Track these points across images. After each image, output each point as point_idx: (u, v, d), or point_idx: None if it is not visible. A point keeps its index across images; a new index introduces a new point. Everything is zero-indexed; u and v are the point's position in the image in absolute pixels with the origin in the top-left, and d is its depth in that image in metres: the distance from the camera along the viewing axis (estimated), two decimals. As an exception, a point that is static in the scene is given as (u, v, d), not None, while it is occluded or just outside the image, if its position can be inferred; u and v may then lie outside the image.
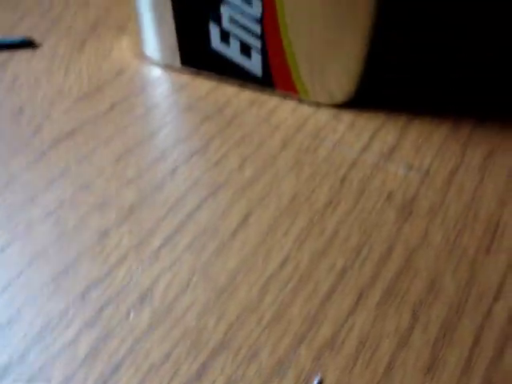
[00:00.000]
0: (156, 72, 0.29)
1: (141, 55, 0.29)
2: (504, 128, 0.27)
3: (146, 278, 0.22)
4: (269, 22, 0.24)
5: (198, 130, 0.26)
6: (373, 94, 0.28)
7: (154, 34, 0.27)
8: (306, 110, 0.27)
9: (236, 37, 0.26)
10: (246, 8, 0.24)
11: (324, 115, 0.27)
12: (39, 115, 0.27)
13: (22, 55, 0.30)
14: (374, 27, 0.25)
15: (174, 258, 0.23)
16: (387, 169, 0.25)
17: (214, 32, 0.26)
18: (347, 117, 0.27)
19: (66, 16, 0.31)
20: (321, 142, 0.26)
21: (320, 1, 0.23)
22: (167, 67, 0.29)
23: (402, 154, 0.26)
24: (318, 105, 0.27)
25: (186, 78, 0.28)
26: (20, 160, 0.26)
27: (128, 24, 0.31)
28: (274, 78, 0.26)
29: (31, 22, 0.31)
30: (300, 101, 0.27)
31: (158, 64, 0.29)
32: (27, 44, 0.30)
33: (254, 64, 0.26)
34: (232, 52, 0.26)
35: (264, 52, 0.26)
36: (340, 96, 0.27)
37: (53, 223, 0.24)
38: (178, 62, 0.28)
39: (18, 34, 0.30)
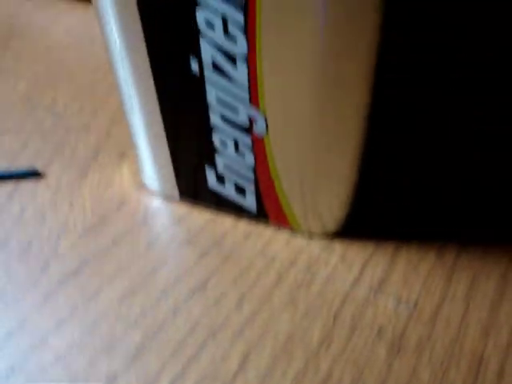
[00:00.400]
0: (156, 202, 0.30)
1: (141, 184, 0.31)
2: (486, 253, 0.28)
3: (152, 428, 0.24)
4: (261, 170, 0.26)
5: (197, 265, 0.28)
6: (362, 219, 0.29)
7: (151, 167, 0.29)
8: (299, 241, 0.28)
9: (231, 180, 0.27)
10: (239, 159, 0.26)
11: (316, 246, 0.28)
12: (46, 251, 0.29)
13: (28, 185, 0.31)
14: (363, 154, 0.26)
15: (178, 405, 0.24)
16: (377, 303, 0.27)
17: (210, 174, 0.27)
18: (339, 247, 0.28)
19: (67, 141, 0.33)
20: (314, 275, 0.27)
21: (310, 147, 0.24)
22: (166, 197, 0.30)
23: (391, 286, 0.27)
24: (311, 234, 0.28)
25: (184, 208, 0.30)
26: (29, 300, 0.27)
27: (128, 150, 0.32)
28: (267, 212, 0.28)
29: (34, 148, 0.33)
30: (293, 230, 0.29)
31: (157, 194, 0.30)
32: (32, 174, 0.31)
33: (249, 202, 0.28)
34: (227, 191, 0.28)
35: (257, 193, 0.27)
36: (331, 225, 0.28)
37: (62, 368, 0.25)
38: (176, 194, 0.29)
39: (21, 162, 0.32)
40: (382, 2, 0.20)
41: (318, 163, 0.26)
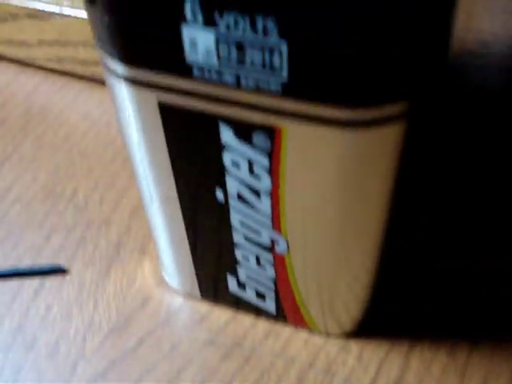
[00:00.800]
0: (177, 300, 0.31)
1: (162, 280, 0.32)
2: (497, 351, 0.29)
3: None
4: (281, 281, 0.27)
5: (220, 367, 0.29)
6: (377, 317, 0.30)
7: (172, 267, 0.30)
8: (317, 340, 0.30)
9: (252, 287, 0.28)
10: (260, 271, 0.27)
11: (334, 346, 0.29)
12: (74, 352, 0.30)
13: (53, 282, 0.32)
14: (381, 255, 0.27)
15: None
16: (394, 404, 0.28)
17: (231, 281, 0.29)
18: (355, 346, 0.29)
19: (89, 236, 0.34)
20: (332, 377, 0.29)
21: (330, 260, 0.26)
22: (187, 295, 0.31)
23: (406, 387, 0.28)
24: (329, 335, 0.30)
25: (205, 307, 0.31)
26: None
27: (148, 245, 0.33)
28: (286, 315, 0.29)
29: (57, 242, 0.34)
30: (311, 330, 0.30)
31: (178, 291, 0.31)
32: (57, 270, 0.32)
33: (268, 305, 0.29)
34: (248, 296, 0.29)
35: (277, 299, 0.28)
36: (348, 325, 0.29)
37: None
38: (197, 293, 0.31)
39: (45, 258, 0.33)
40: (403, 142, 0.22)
41: (338, 273, 0.27)
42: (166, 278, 0.32)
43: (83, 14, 0.38)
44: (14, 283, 0.32)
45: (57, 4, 0.38)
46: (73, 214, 0.35)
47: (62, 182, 0.36)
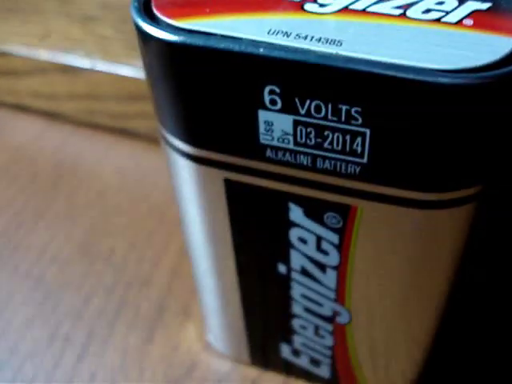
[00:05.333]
0: (225, 365, 0.30)
1: (208, 344, 0.31)
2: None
3: None
4: (339, 349, 0.27)
5: None
6: (431, 379, 0.30)
7: (222, 332, 0.29)
8: (371, 406, 0.29)
9: (306, 355, 0.28)
10: (318, 340, 0.27)
11: (388, 411, 0.29)
12: (121, 423, 0.29)
13: (96, 348, 0.32)
14: (441, 318, 0.27)
15: None
16: None
17: (285, 348, 0.28)
18: (410, 411, 0.29)
19: (130, 297, 0.33)
20: None
21: (389, 329, 0.25)
22: (236, 360, 0.30)
23: None
24: (383, 399, 0.29)
25: (255, 372, 0.30)
26: None
27: (191, 306, 0.33)
28: (340, 380, 0.29)
29: (97, 305, 0.33)
30: (365, 395, 0.29)
31: (225, 355, 0.31)
32: (99, 335, 0.32)
33: (322, 371, 0.28)
34: (301, 362, 0.28)
35: (332, 366, 0.28)
36: (403, 388, 0.29)
37: None
38: (246, 358, 0.30)
39: (86, 321, 0.32)
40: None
41: (397, 338, 0.26)
42: (213, 342, 0.31)
43: (116, 68, 0.37)
44: (55, 348, 0.32)
45: (88, 59, 0.38)
46: (111, 274, 0.34)
47: (98, 241, 0.36)
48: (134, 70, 0.37)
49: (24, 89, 0.42)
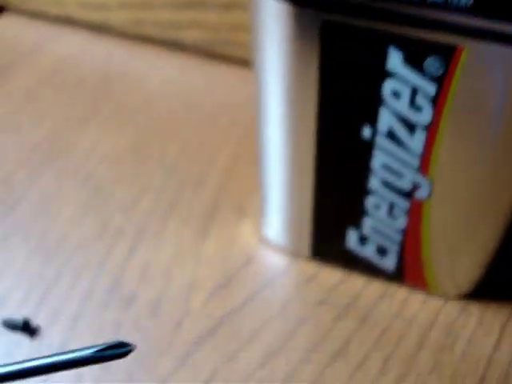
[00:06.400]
0: (282, 260, 0.30)
1: (264, 240, 0.30)
2: None
3: None
4: (411, 232, 0.26)
5: (335, 328, 0.28)
6: (497, 280, 0.29)
7: (283, 223, 0.29)
8: (434, 302, 0.28)
9: (374, 242, 0.27)
10: (389, 221, 0.26)
11: (452, 309, 0.28)
12: (177, 309, 0.28)
13: (149, 242, 0.31)
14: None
15: None
16: (521, 368, 0.27)
17: (352, 235, 0.27)
18: (475, 309, 0.28)
19: (183, 196, 0.32)
20: (455, 339, 0.27)
21: (466, 213, 0.25)
22: (293, 254, 0.30)
23: (532, 351, 0.27)
24: (446, 296, 0.28)
25: (313, 267, 0.29)
26: (166, 362, 0.27)
27: (247, 205, 0.32)
28: (405, 274, 0.28)
29: (149, 202, 0.32)
30: (427, 292, 0.28)
31: (282, 250, 0.30)
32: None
33: (388, 263, 0.28)
34: (367, 252, 0.28)
35: (400, 254, 0.27)
36: (467, 287, 0.28)
37: None
38: (305, 252, 0.29)
39: (138, 217, 0.32)
40: None
41: (468, 228, 0.26)
42: (271, 237, 0.30)
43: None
44: (106, 240, 0.31)
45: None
46: (163, 173, 0.34)
47: (147, 143, 0.35)
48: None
49: None
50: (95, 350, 0.17)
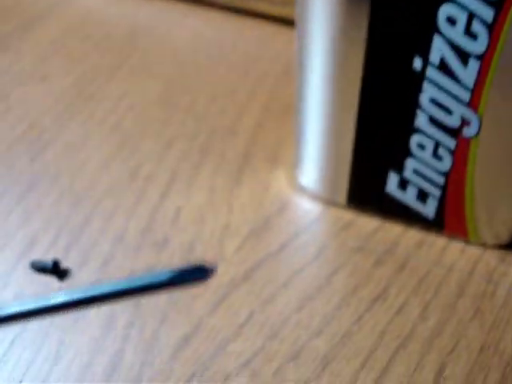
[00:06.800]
0: (317, 207, 0.29)
1: (298, 187, 0.30)
2: None
3: None
4: (455, 175, 0.25)
5: (373, 274, 0.27)
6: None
7: (320, 169, 0.28)
8: (473, 251, 0.28)
9: (415, 185, 0.26)
10: (433, 163, 0.25)
11: (492, 257, 0.28)
12: (211, 253, 0.28)
13: (180, 186, 0.30)
14: None
15: (381, 416, 0.23)
16: None
17: (393, 179, 0.27)
18: (513, 259, 0.28)
19: (214, 144, 0.32)
20: (495, 286, 0.27)
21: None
22: (329, 202, 0.29)
23: None
24: (484, 245, 0.28)
25: (349, 214, 0.29)
26: (201, 303, 0.26)
27: (280, 154, 0.31)
28: (445, 221, 0.27)
29: (179, 151, 0.32)
30: (466, 240, 0.28)
31: (317, 198, 0.29)
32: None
33: (428, 208, 0.27)
34: (407, 198, 0.27)
35: (441, 199, 0.26)
36: (506, 236, 0.27)
37: (249, 376, 0.24)
38: (342, 199, 0.29)
39: (168, 164, 0.31)
40: None
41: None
42: (306, 185, 0.29)
43: None
44: (136, 186, 0.30)
45: None
46: (193, 123, 0.33)
47: (176, 94, 0.34)
48: None
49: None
50: (174, 272, 0.17)
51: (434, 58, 0.22)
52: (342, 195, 0.29)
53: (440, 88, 0.23)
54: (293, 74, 0.35)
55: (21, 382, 0.25)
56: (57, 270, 0.28)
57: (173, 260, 0.28)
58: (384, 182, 0.27)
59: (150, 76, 0.36)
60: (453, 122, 0.24)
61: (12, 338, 0.26)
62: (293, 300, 0.26)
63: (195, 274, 0.16)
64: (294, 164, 0.30)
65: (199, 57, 0.37)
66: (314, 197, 0.30)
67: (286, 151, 0.31)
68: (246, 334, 0.25)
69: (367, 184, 0.28)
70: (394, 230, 0.29)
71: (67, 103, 0.34)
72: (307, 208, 0.29)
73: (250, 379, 0.24)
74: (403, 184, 0.27)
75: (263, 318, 0.26)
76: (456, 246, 0.28)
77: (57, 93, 0.35)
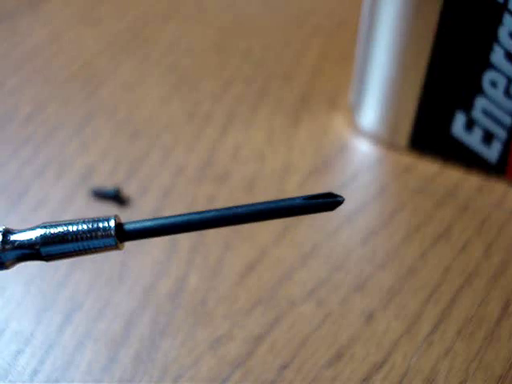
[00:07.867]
0: (377, 150, 0.29)
1: (358, 130, 0.30)
2: None
3: (424, 366, 0.23)
4: (523, 116, 0.25)
5: (435, 214, 0.27)
6: None
7: (381, 111, 0.28)
8: (534, 197, 0.28)
9: (481, 126, 0.27)
10: (504, 101, 0.25)
11: (552, 204, 0.28)
12: (271, 189, 0.28)
13: (239, 126, 0.30)
14: None
15: (447, 346, 0.23)
16: None
17: (460, 120, 0.27)
18: None
19: (271, 88, 0.32)
20: (556, 231, 0.27)
21: None
22: (388, 145, 0.29)
23: None
24: (544, 193, 0.28)
25: (409, 158, 0.29)
26: (265, 233, 0.26)
27: (338, 99, 0.31)
28: (508, 166, 0.27)
29: (236, 92, 0.32)
30: (526, 188, 0.28)
31: (377, 140, 0.29)
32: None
33: (492, 152, 0.27)
34: (472, 140, 0.27)
35: (506, 143, 0.27)
36: None
37: (316, 303, 0.24)
38: (403, 142, 0.29)
39: (225, 104, 0.31)
40: None
41: None
42: (366, 127, 0.29)
43: None
44: (195, 123, 0.30)
45: None
46: (250, 67, 0.33)
47: (232, 40, 0.34)
48: None
49: None
50: (305, 198, 0.16)
51: (521, -13, 0.22)
52: (404, 138, 0.29)
53: (523, 20, 0.23)
54: (347, 27, 0.35)
55: (82, 304, 0.25)
56: (118, 198, 0.28)
57: (234, 194, 0.28)
58: (449, 123, 0.27)
59: (205, 23, 0.36)
60: (531, 56, 0.24)
61: (70, 260, 0.25)
62: (356, 234, 0.26)
63: (325, 200, 0.16)
64: (354, 106, 0.30)
65: (254, 7, 0.37)
66: (374, 139, 0.30)
67: (343, 96, 0.31)
68: (311, 264, 0.26)
69: (432, 125, 0.28)
70: (454, 175, 0.29)
71: (121, 45, 0.34)
72: (367, 150, 0.30)
73: (316, 306, 0.24)
74: (470, 125, 0.27)
75: (327, 250, 0.26)
76: (517, 192, 0.28)
77: (110, 36, 0.35)
